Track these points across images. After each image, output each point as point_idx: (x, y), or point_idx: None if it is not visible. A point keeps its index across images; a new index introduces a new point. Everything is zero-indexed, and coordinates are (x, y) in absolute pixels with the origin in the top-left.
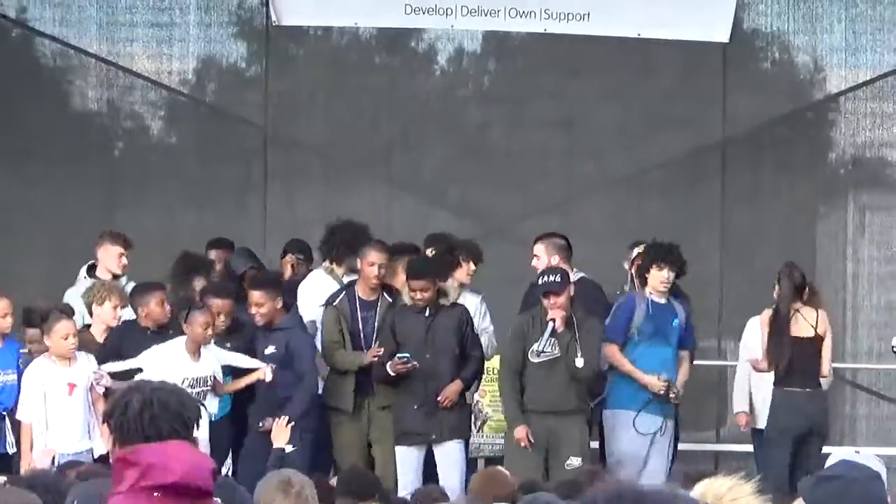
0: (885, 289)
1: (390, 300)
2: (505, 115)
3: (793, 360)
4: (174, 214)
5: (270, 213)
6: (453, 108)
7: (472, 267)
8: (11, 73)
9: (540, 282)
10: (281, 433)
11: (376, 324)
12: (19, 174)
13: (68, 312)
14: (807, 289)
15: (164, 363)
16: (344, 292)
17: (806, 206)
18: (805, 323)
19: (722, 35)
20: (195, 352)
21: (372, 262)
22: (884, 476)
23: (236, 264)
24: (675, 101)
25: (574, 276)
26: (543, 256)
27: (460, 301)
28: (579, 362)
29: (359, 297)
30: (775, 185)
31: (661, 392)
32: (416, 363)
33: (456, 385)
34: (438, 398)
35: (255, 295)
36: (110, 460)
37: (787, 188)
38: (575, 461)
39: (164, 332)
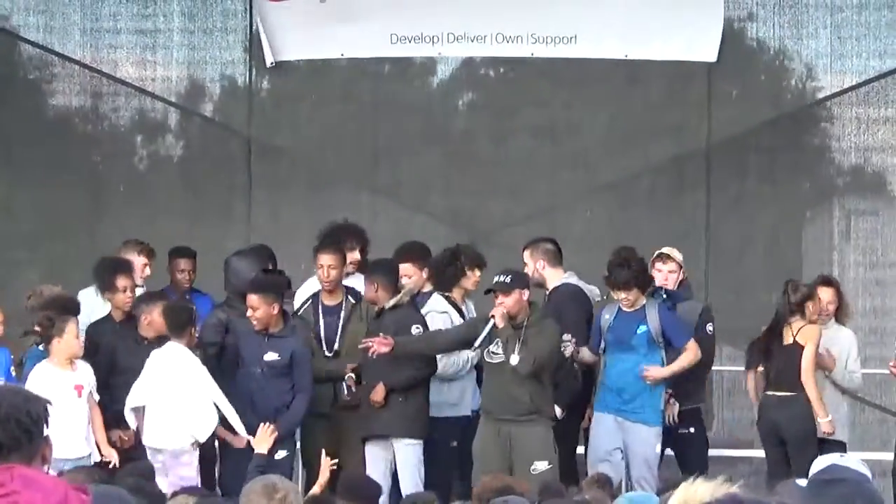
0: (870, 294)
1: (353, 302)
2: (491, 122)
3: (775, 368)
4: (158, 221)
5: (255, 221)
6: (439, 116)
7: (478, 274)
8: None
9: (493, 281)
10: (263, 440)
11: (339, 327)
12: (3, 182)
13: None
14: (807, 304)
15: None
16: (309, 300)
17: (791, 212)
18: (788, 333)
19: (709, 55)
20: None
21: (321, 264)
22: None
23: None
24: (661, 107)
25: (557, 282)
26: (530, 263)
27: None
28: (513, 359)
29: (322, 303)
30: (761, 191)
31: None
32: (350, 399)
33: (379, 390)
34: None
35: (253, 299)
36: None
37: (773, 194)
38: (540, 465)
39: (161, 342)
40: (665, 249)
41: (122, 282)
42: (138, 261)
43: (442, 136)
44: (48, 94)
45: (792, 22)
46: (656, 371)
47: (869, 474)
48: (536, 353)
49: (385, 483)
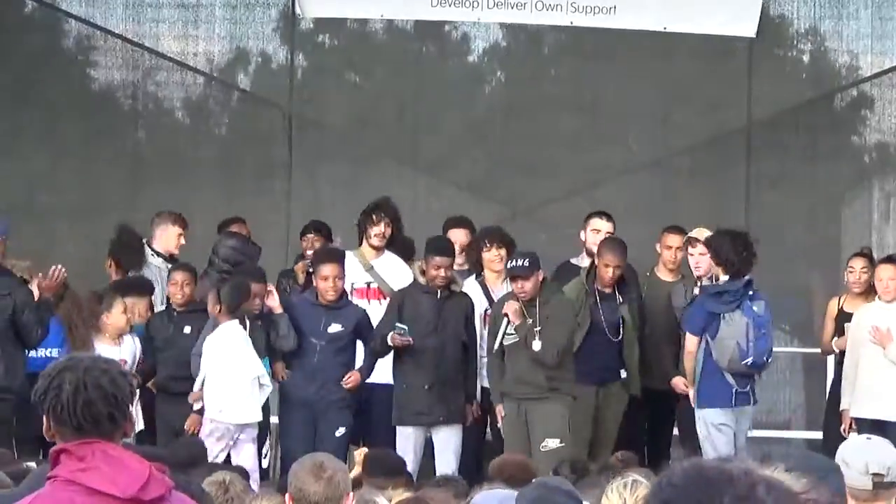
0: None
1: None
2: (530, 98)
3: None
4: (198, 195)
5: (294, 195)
6: (479, 91)
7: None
8: (38, 54)
9: (508, 265)
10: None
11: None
12: (44, 154)
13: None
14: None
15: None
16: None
17: (831, 192)
18: None
19: (749, 30)
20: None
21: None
22: (895, 463)
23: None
24: (701, 85)
25: None
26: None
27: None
28: (536, 345)
29: None
30: (800, 171)
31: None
32: (410, 339)
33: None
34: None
35: (330, 268)
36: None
37: (812, 174)
38: (551, 443)
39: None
40: (694, 232)
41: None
42: (174, 231)
43: (483, 112)
44: (90, 68)
45: (833, 2)
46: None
47: (886, 462)
48: (558, 342)
49: (416, 463)
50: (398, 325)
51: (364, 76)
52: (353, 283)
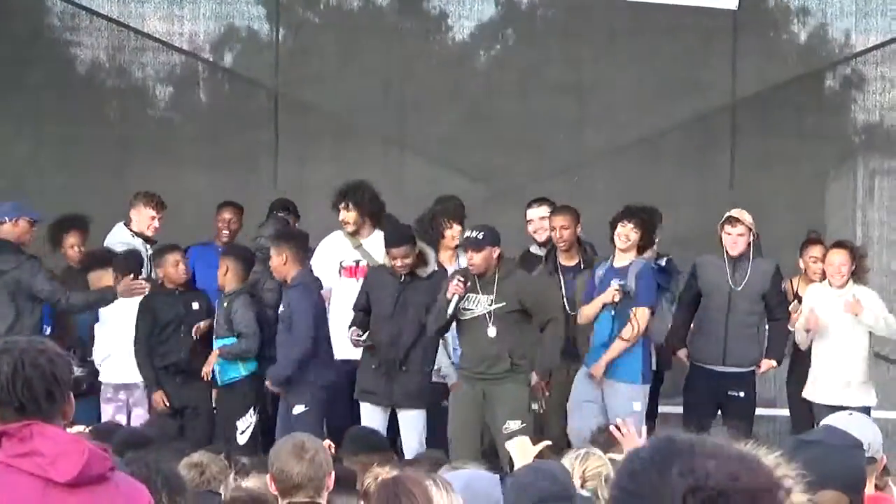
0: (893, 253)
1: None
2: (516, 79)
3: None
4: (184, 177)
5: (281, 177)
6: (465, 71)
7: (458, 228)
8: (22, 35)
9: (463, 235)
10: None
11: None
12: (29, 136)
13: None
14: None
15: None
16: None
17: (815, 171)
18: None
19: (730, 2)
20: None
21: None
22: (876, 439)
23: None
24: (685, 65)
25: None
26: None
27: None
28: (491, 331)
29: None
30: (785, 150)
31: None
32: (369, 343)
33: None
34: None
35: (276, 250)
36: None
37: (797, 152)
38: (513, 425)
39: (190, 290)
40: (734, 212)
41: (70, 239)
42: (147, 214)
43: (468, 92)
44: (75, 48)
45: None
46: (595, 369)
47: (873, 433)
48: (509, 300)
49: None
50: (359, 332)
51: (351, 56)
52: (341, 262)
